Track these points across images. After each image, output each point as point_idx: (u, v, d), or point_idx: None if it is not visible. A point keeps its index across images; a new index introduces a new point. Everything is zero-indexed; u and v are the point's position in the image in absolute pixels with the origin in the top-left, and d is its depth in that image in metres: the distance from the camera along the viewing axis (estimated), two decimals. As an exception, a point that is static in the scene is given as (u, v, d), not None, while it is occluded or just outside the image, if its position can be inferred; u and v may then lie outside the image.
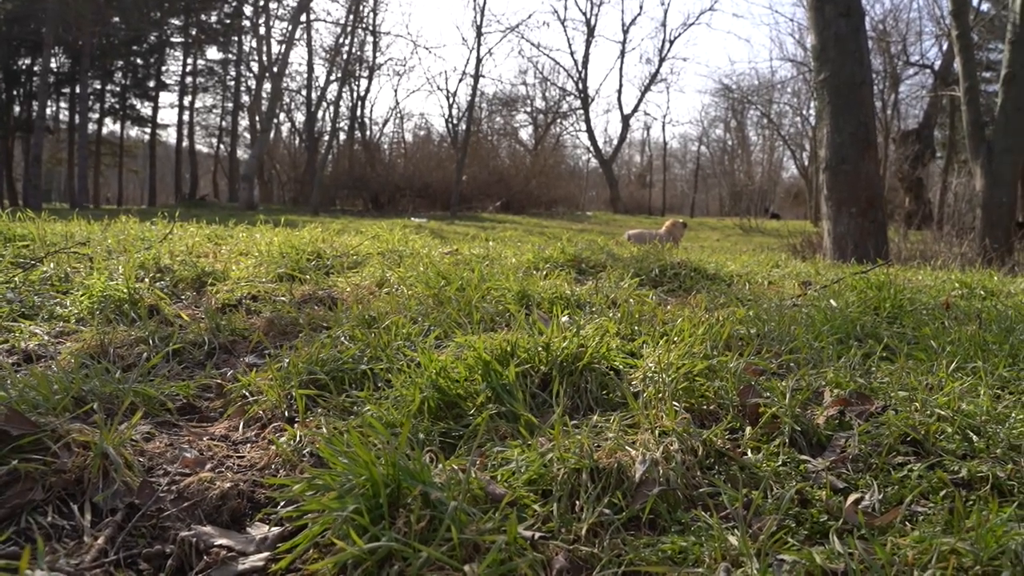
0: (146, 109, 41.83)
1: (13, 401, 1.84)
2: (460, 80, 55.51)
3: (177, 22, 40.14)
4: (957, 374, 2.31)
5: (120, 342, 2.69)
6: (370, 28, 38.72)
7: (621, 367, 2.28)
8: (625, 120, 45.84)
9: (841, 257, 9.46)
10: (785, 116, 44.44)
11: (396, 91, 73.13)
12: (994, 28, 25.22)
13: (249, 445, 1.95)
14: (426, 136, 45.49)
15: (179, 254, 4.39)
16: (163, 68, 41.35)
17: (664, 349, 2.31)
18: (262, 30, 39.44)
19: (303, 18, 35.19)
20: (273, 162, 41.48)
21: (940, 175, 29.64)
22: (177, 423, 2.09)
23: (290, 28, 33.77)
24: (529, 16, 72.95)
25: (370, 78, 41.49)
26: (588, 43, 44.89)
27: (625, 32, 48.19)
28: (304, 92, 42.16)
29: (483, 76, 44.97)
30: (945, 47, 30.85)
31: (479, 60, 33.43)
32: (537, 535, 1.40)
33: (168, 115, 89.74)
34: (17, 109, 36.38)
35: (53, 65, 35.16)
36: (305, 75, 41.74)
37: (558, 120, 48.24)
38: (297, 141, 43.98)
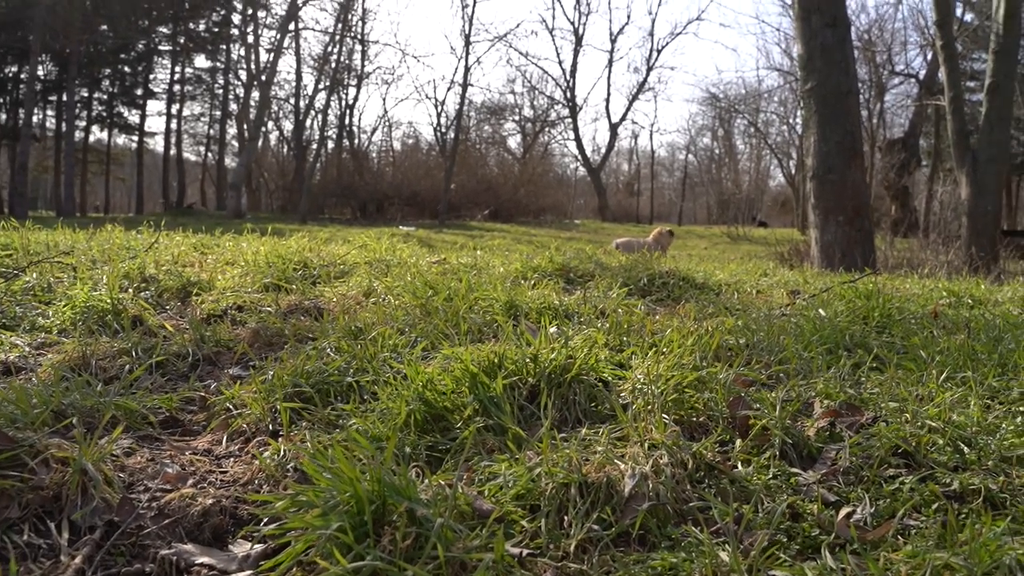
0: (134, 117, 41.75)
1: (-10, 416, 1.80)
2: (448, 89, 55.91)
3: (165, 30, 40.07)
4: (947, 384, 2.30)
5: (102, 354, 2.65)
6: (358, 37, 38.75)
7: (610, 379, 2.26)
8: (613, 129, 46.04)
9: (829, 265, 9.49)
10: (772, 125, 44.73)
11: (384, 100, 73.54)
12: (978, 38, 25.48)
13: (232, 460, 1.92)
14: (414, 145, 45.59)
15: (164, 263, 4.34)
16: (151, 76, 41.30)
17: (653, 360, 2.29)
18: (250, 38, 39.39)
19: (291, 27, 35.15)
20: (261, 170, 41.35)
21: (926, 183, 29.88)
22: (159, 437, 2.05)
23: (278, 37, 33.78)
24: (517, 25, 73.64)
25: (358, 87, 41.50)
26: (576, 52, 45.10)
27: (613, 41, 48.01)
28: (292, 100, 42.09)
29: (471, 85, 44.94)
30: (930, 57, 31.17)
31: (467, 69, 33.56)
32: (525, 552, 1.38)
33: (156, 123, 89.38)
34: (3, 116, 36.16)
35: (40, 72, 35.01)
36: (293, 83, 41.68)
37: (546, 129, 48.41)
38: (285, 149, 43.89)
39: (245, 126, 37.19)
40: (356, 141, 43.33)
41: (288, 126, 43.64)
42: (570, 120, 45.76)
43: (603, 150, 48.56)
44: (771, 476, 1.70)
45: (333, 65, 35.60)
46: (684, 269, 5.02)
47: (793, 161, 39.98)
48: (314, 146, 37.60)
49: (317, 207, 34.23)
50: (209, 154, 46.01)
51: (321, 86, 37.65)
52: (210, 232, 7.13)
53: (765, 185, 49.76)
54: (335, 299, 3.66)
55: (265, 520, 1.54)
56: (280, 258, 4.51)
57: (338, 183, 36.25)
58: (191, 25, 40.13)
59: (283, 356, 2.56)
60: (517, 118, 48.57)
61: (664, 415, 1.93)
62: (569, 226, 31.33)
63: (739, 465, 1.76)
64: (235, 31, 41.30)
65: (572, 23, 52.89)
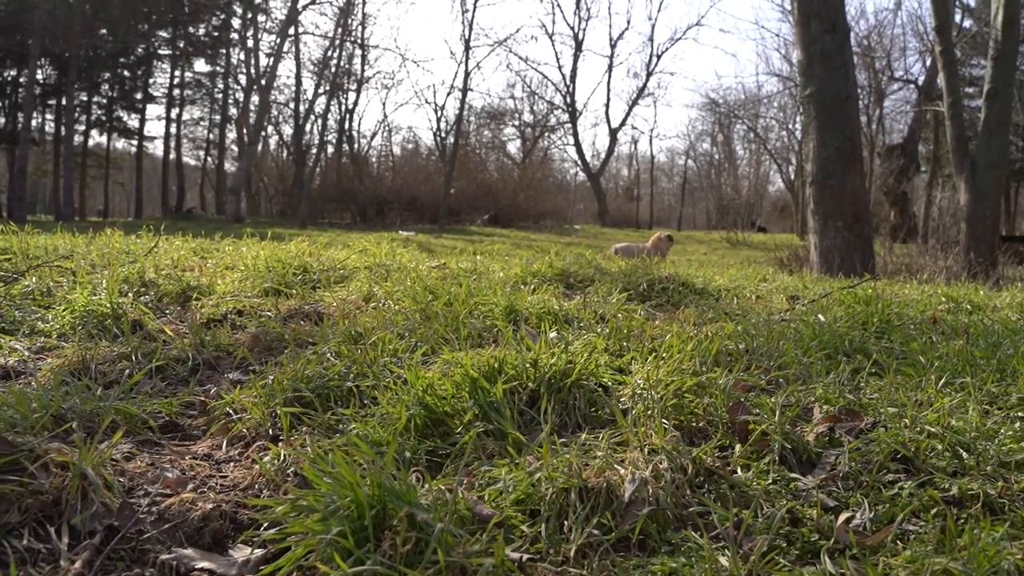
0: (133, 121, 41.79)
1: (-10, 420, 1.80)
2: (448, 93, 55.85)
3: (165, 34, 40.14)
4: (946, 390, 2.30)
5: (102, 358, 2.65)
6: (358, 41, 38.84)
7: (610, 384, 2.26)
8: (613, 134, 46.09)
9: (828, 271, 9.50)
10: (771, 130, 44.83)
11: (384, 104, 73.11)
12: (977, 44, 25.50)
13: (232, 464, 1.92)
14: (414, 149, 45.67)
15: (164, 268, 4.34)
16: (150, 80, 41.33)
17: (653, 365, 2.29)
18: (250, 43, 39.43)
19: (291, 31, 35.24)
20: (261, 175, 41.43)
21: (925, 189, 29.96)
22: (159, 442, 2.05)
23: (278, 41, 33.83)
24: (517, 30, 73.74)
25: (358, 91, 41.60)
26: (576, 57, 45.20)
27: (613, 46, 48.25)
28: (292, 105, 42.19)
29: (471, 89, 45.16)
30: (929, 63, 31.29)
31: (467, 74, 33.61)
32: (525, 557, 1.38)
33: (155, 127, 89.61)
34: (2, 120, 36.20)
35: (39, 76, 35.03)
36: (293, 88, 41.79)
37: (546, 133, 48.51)
38: (285, 154, 43.99)
39: (245, 130, 37.21)
40: (356, 146, 43.46)
41: (288, 130, 43.80)
42: (570, 125, 45.84)
43: (603, 155, 48.65)
44: (771, 481, 1.70)
45: (333, 69, 35.68)
46: (684, 274, 5.02)
47: (792, 166, 40.06)
48: (314, 150, 37.70)
49: (317, 212, 34.27)
50: (209, 158, 46.08)
51: (321, 90, 37.77)
52: (209, 236, 7.12)
53: (764, 190, 49.86)
54: (335, 304, 3.67)
55: (265, 525, 1.54)
56: (280, 263, 4.52)
57: (338, 188, 36.30)
58: (191, 29, 40.20)
59: (283, 361, 2.56)
60: (517, 123, 48.73)
61: (664, 420, 1.93)
62: (569, 231, 31.35)
63: (739, 470, 1.76)
64: (235, 35, 41.39)
65: (572, 28, 53.18)
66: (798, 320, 3.33)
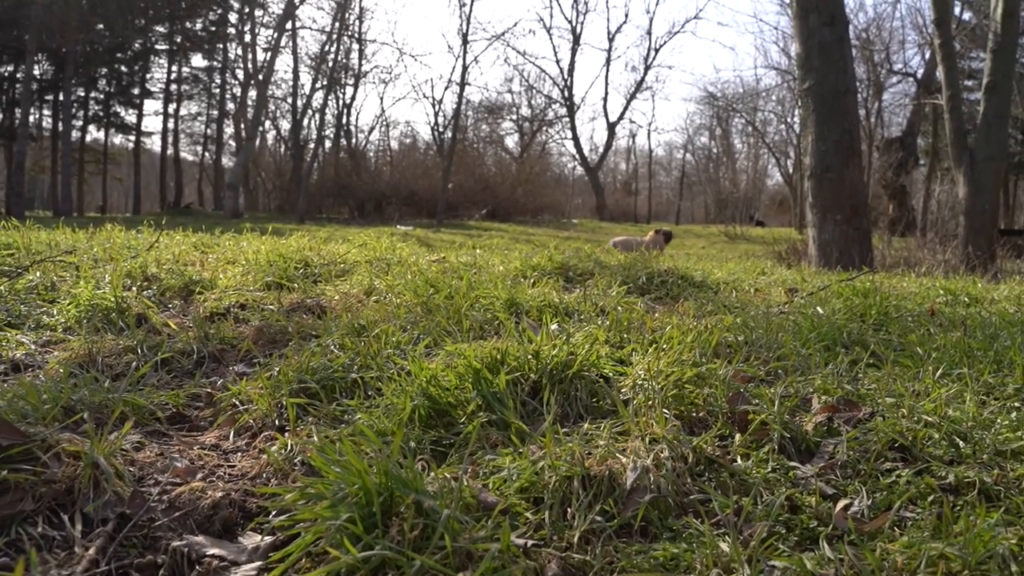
0: (130, 116, 41.74)
1: (2, 411, 1.83)
2: (446, 88, 55.97)
3: (162, 29, 40.04)
4: (943, 380, 2.33)
5: (108, 351, 2.67)
6: (356, 36, 38.79)
7: (611, 375, 2.29)
8: (611, 128, 46.13)
9: (826, 264, 9.53)
10: (770, 124, 44.84)
11: (382, 99, 73.07)
12: (976, 37, 25.52)
13: (240, 454, 1.95)
14: (412, 144, 45.69)
15: (166, 263, 4.37)
16: (148, 75, 41.30)
17: (653, 356, 2.32)
18: (247, 37, 39.40)
19: (288, 25, 35.15)
20: (258, 170, 41.36)
21: (923, 182, 29.97)
22: (167, 432, 2.08)
23: (275, 35, 33.81)
24: (515, 24, 73.44)
25: (356, 86, 41.59)
26: (574, 51, 45.30)
27: (611, 40, 48.34)
28: (289, 100, 42.13)
29: (469, 84, 45.04)
30: (928, 56, 31.26)
31: (465, 68, 33.53)
32: (530, 543, 1.40)
33: (153, 122, 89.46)
34: (0, 116, 36.11)
35: (36, 72, 34.97)
36: (291, 83, 41.70)
37: (544, 128, 48.48)
38: (283, 149, 43.91)
39: (242, 125, 37.20)
40: (353, 140, 43.42)
41: (285, 125, 43.74)
42: (568, 119, 45.88)
43: (601, 149, 48.75)
44: (770, 469, 1.73)
45: (330, 64, 35.60)
46: (682, 268, 5.05)
47: (791, 160, 40.07)
48: (311, 145, 37.64)
49: (315, 207, 34.27)
50: (206, 154, 46.03)
51: (318, 85, 37.66)
52: (209, 232, 7.14)
53: (763, 184, 49.80)
54: (337, 297, 3.69)
55: (274, 512, 1.57)
56: (281, 257, 4.54)
57: (335, 183, 36.28)
58: (188, 24, 40.13)
59: (287, 353, 2.59)
60: (515, 117, 48.69)
61: (664, 410, 1.96)
62: (567, 225, 31.36)
63: (738, 459, 1.79)
64: (232, 30, 41.34)
65: (570, 22, 53.08)
66: (796, 312, 3.36)
